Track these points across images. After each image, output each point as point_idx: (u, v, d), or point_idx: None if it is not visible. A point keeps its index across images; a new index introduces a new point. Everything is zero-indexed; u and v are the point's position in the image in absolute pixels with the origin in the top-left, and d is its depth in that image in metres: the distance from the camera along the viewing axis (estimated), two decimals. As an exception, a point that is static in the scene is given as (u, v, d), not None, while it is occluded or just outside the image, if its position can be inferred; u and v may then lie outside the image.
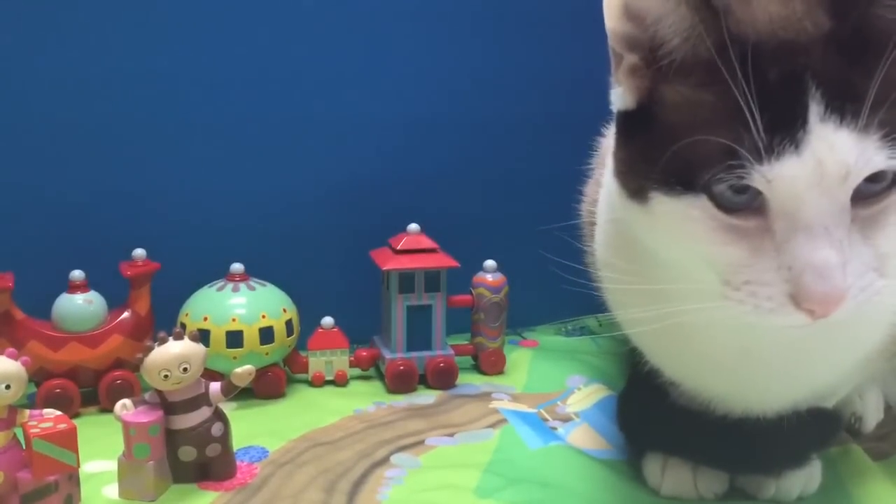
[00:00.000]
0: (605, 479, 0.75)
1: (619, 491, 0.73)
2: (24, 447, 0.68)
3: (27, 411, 0.70)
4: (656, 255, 0.55)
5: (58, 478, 0.67)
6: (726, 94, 0.46)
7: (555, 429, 0.85)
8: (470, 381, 0.98)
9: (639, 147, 0.53)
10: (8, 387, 0.66)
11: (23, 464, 0.68)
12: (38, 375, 0.85)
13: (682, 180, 0.49)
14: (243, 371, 0.73)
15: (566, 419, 0.88)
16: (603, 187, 0.66)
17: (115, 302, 0.90)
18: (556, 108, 1.07)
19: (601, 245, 0.66)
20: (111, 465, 0.73)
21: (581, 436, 0.84)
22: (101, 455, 0.76)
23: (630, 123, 0.54)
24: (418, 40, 1.03)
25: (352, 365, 0.97)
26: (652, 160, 0.50)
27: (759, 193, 0.48)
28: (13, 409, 0.68)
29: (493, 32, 1.06)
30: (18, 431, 0.69)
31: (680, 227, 0.50)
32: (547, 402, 0.92)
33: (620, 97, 0.54)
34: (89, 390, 0.88)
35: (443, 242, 0.97)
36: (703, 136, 0.47)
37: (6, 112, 0.92)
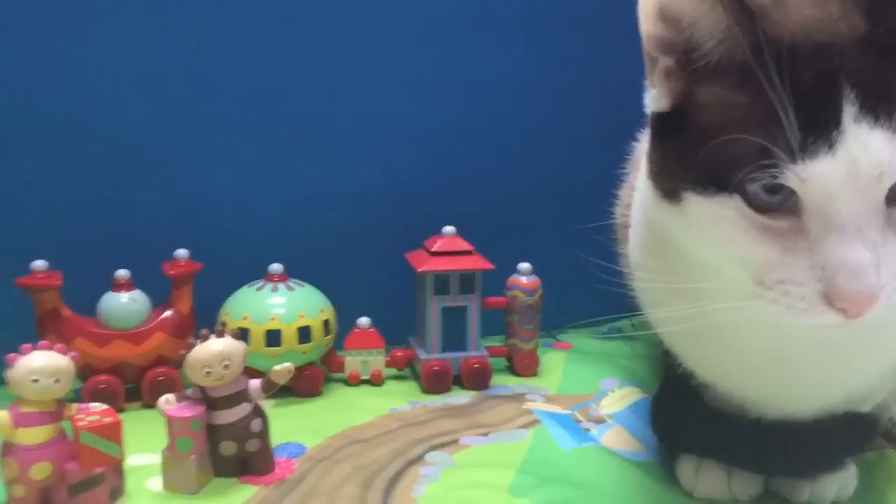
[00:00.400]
0: (638, 480, 0.75)
1: (652, 492, 0.74)
2: (71, 440, 0.70)
3: (75, 405, 0.72)
4: (689, 255, 0.56)
5: (104, 469, 0.69)
6: (761, 96, 0.47)
7: (588, 430, 0.86)
8: (504, 382, 0.99)
9: (672, 148, 0.53)
10: (57, 381, 0.69)
11: (70, 455, 0.70)
12: (83, 371, 0.87)
13: (716, 180, 0.49)
14: (282, 368, 0.75)
15: (599, 421, 0.88)
16: (637, 190, 0.67)
17: (159, 300, 0.92)
18: (591, 113, 1.08)
19: (635, 247, 0.67)
20: (154, 459, 0.75)
21: (614, 437, 0.84)
22: (144, 449, 0.78)
23: (664, 125, 0.54)
24: (456, 45, 1.05)
25: (387, 365, 0.98)
26: (685, 161, 0.51)
27: (792, 193, 0.48)
28: (61, 403, 0.70)
29: (530, 37, 1.07)
30: (66, 425, 0.71)
31: (713, 226, 0.51)
32: (580, 404, 0.92)
33: (655, 99, 0.54)
34: (133, 386, 0.91)
35: (478, 245, 0.98)
36: (738, 135, 0.48)
37: (57, 118, 0.94)
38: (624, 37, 0.59)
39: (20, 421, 0.68)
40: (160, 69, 0.96)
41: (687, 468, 0.73)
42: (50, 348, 0.70)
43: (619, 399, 0.94)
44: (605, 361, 1.04)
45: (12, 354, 0.69)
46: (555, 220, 1.09)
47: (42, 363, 0.68)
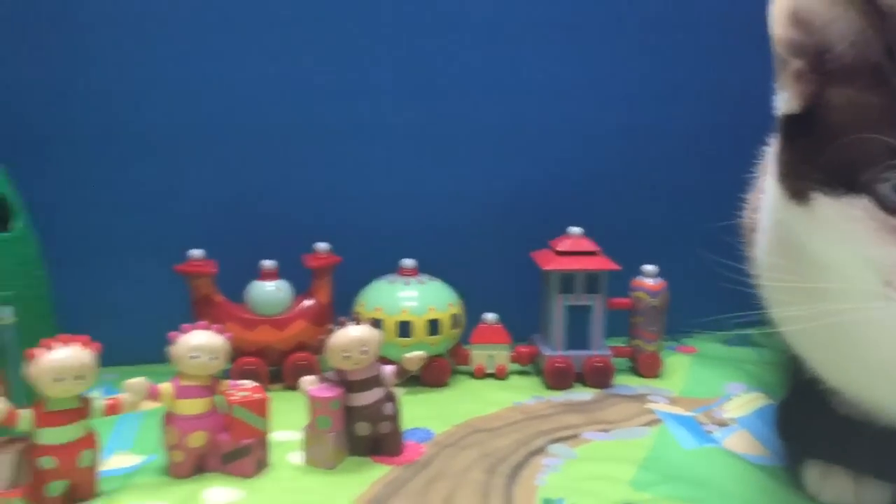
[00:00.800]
0: (762, 483, 0.75)
1: (776, 496, 0.73)
2: (224, 413, 0.77)
3: (227, 381, 0.78)
4: (816, 255, 0.56)
5: (252, 441, 0.76)
6: (893, 96, 0.47)
7: (711, 433, 0.86)
8: (626, 382, 1.00)
9: (801, 149, 0.54)
10: (213, 358, 0.75)
11: (223, 427, 0.76)
12: (232, 353, 0.94)
13: (845, 180, 0.50)
14: (415, 356, 0.79)
15: (723, 424, 0.88)
16: (765, 193, 0.67)
17: (300, 290, 0.99)
18: (721, 116, 1.08)
19: (762, 248, 0.67)
20: (295, 435, 0.81)
21: (738, 441, 0.84)
22: (286, 426, 0.84)
23: (793, 127, 0.55)
24: (585, 48, 1.07)
25: (512, 360, 1.01)
26: (814, 162, 0.51)
27: None
28: (216, 379, 0.77)
29: (660, 40, 1.08)
30: (219, 399, 0.77)
31: (841, 227, 0.51)
32: (704, 406, 0.92)
33: (785, 101, 0.55)
34: (275, 369, 0.98)
35: (604, 246, 1.00)
36: (868, 135, 0.48)
37: (211, 123, 1.02)
38: (755, 39, 0.60)
39: (180, 393, 0.75)
40: (304, 75, 1.03)
41: (813, 474, 0.73)
42: (208, 328, 0.76)
43: (744, 403, 0.93)
44: (730, 366, 1.04)
45: (174, 332, 0.76)
46: (682, 223, 1.09)
47: (201, 341, 0.75)
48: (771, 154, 0.69)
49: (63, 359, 0.67)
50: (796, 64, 0.54)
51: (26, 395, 0.76)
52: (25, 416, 0.68)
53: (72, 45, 0.97)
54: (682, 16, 1.07)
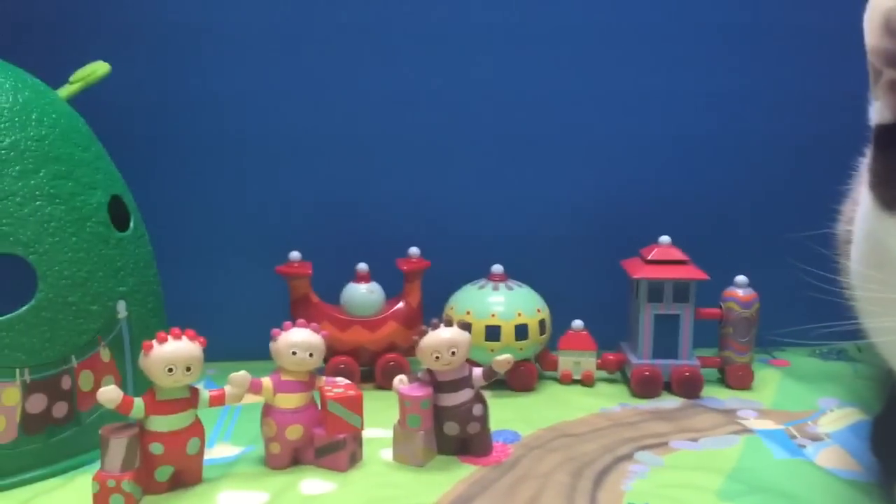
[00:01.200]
0: (853, 499, 0.74)
1: (869, 512, 0.72)
2: (319, 408, 0.81)
3: (323, 378, 0.82)
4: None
5: (346, 436, 0.79)
6: None
7: (803, 447, 0.84)
8: (715, 394, 0.99)
9: (894, 159, 0.54)
10: (311, 354, 0.79)
11: (318, 421, 0.80)
12: (326, 352, 0.98)
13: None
14: (503, 359, 0.81)
15: (816, 439, 0.86)
16: (859, 204, 0.67)
17: (392, 293, 1.02)
18: (815, 126, 1.06)
19: (856, 259, 0.66)
20: (386, 433, 0.83)
21: (830, 456, 0.82)
22: (377, 424, 0.86)
23: (887, 137, 0.55)
24: (677, 59, 1.07)
25: (599, 367, 1.02)
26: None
27: None
28: (313, 375, 0.81)
29: (753, 50, 1.07)
30: (315, 395, 0.81)
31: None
32: (796, 420, 0.91)
33: (878, 111, 0.55)
34: (367, 368, 1.01)
35: (694, 256, 0.99)
36: None
37: (311, 133, 1.06)
38: (851, 48, 0.60)
39: (279, 387, 0.79)
40: (401, 86, 1.06)
41: (906, 492, 0.71)
42: (307, 326, 0.80)
43: (838, 418, 0.91)
44: (824, 380, 1.02)
45: (276, 329, 0.80)
46: (774, 234, 1.07)
47: (300, 338, 0.79)
48: (865, 165, 0.68)
49: (174, 351, 0.72)
50: (890, 74, 0.54)
51: (139, 384, 0.82)
52: (138, 405, 0.72)
53: (184, 55, 1.03)
54: (776, 25, 1.06)
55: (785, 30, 1.06)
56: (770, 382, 1.02)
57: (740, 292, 1.00)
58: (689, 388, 0.98)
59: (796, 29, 1.06)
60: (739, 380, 1.00)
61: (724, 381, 1.02)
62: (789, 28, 1.06)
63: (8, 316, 0.74)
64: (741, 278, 1.01)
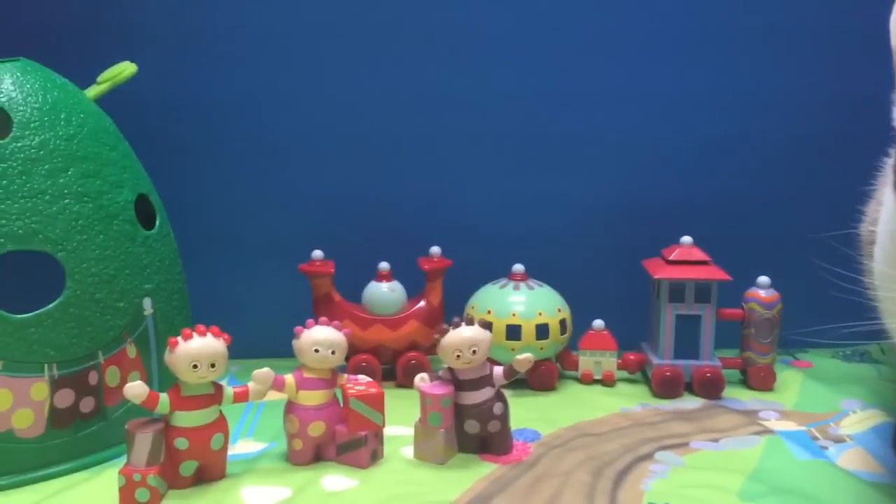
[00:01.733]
0: (874, 500, 0.74)
1: (892, 514, 0.72)
2: (341, 405, 0.81)
3: (345, 375, 0.83)
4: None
5: (367, 433, 0.79)
6: None
7: (825, 448, 0.84)
8: (737, 395, 0.99)
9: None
10: (333, 352, 0.80)
11: (340, 419, 0.81)
12: (348, 350, 0.99)
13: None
14: (524, 358, 0.81)
15: (839, 440, 0.86)
16: (883, 205, 0.66)
17: (413, 292, 1.03)
18: (838, 127, 1.06)
19: (879, 261, 0.66)
20: (407, 431, 0.84)
21: (852, 458, 0.82)
22: (399, 422, 0.87)
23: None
24: (697, 58, 1.07)
25: (619, 367, 1.02)
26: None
27: None
28: (335, 373, 0.82)
29: (776, 51, 1.06)
30: (337, 393, 0.82)
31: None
32: (818, 422, 0.91)
33: (902, 112, 0.55)
34: (388, 367, 1.01)
35: (717, 257, 0.99)
36: None
37: (336, 133, 1.07)
38: (876, 49, 0.60)
39: (302, 384, 0.80)
40: (420, 86, 1.07)
41: (930, 493, 0.71)
42: (329, 324, 0.81)
43: (861, 420, 0.91)
44: (847, 382, 1.01)
45: (299, 327, 0.81)
46: (798, 236, 1.07)
47: (323, 336, 0.79)
48: (889, 165, 0.68)
49: (199, 347, 0.73)
50: (917, 74, 0.54)
51: (164, 380, 0.83)
52: (163, 400, 0.73)
53: (210, 58, 1.04)
54: (800, 25, 1.05)
55: (808, 29, 1.05)
56: (792, 384, 1.02)
57: (762, 293, 1.00)
58: (710, 388, 0.97)
59: (820, 29, 1.05)
60: (761, 381, 1.00)
61: (745, 382, 1.01)
62: (813, 28, 1.05)
63: (37, 312, 0.75)
64: (763, 279, 1.01)
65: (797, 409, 0.94)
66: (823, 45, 1.06)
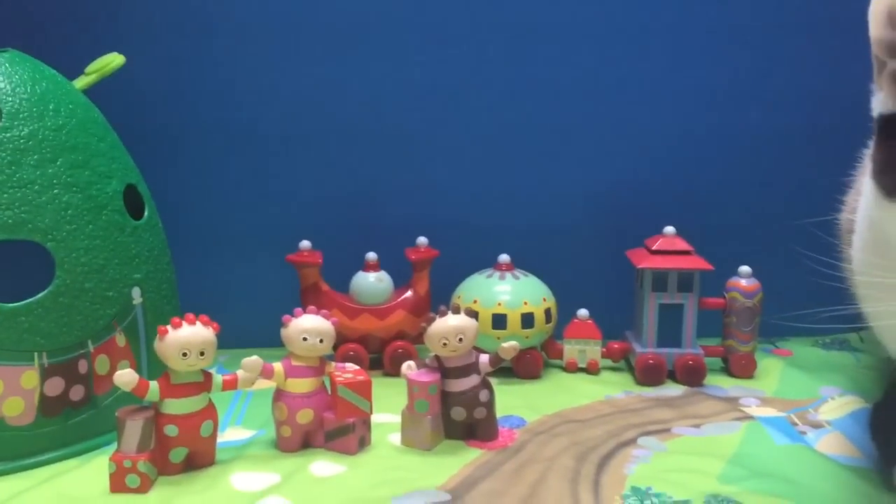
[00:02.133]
0: (853, 484, 0.75)
1: (866, 496, 0.73)
2: (329, 393, 0.82)
3: (333, 363, 0.84)
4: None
5: (355, 420, 0.80)
6: None
7: (803, 434, 0.86)
8: (718, 383, 1.00)
9: (896, 148, 0.55)
10: (321, 340, 0.81)
11: (328, 406, 0.82)
12: (335, 339, 1.00)
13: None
14: (509, 346, 0.82)
15: (817, 426, 0.88)
16: (862, 194, 0.68)
17: (399, 282, 1.04)
18: (818, 118, 1.08)
19: (858, 248, 0.68)
20: (394, 418, 0.85)
21: (831, 443, 0.84)
22: (386, 409, 0.88)
23: (890, 126, 0.56)
24: (683, 51, 1.08)
25: (604, 356, 1.03)
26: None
27: None
28: (323, 361, 0.83)
29: (757, 44, 1.08)
30: (325, 381, 0.83)
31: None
32: (797, 408, 0.92)
33: (881, 102, 0.56)
34: (375, 356, 1.03)
35: (698, 246, 1.01)
36: None
37: (322, 125, 1.08)
38: (854, 42, 0.61)
39: (291, 372, 0.80)
40: (408, 78, 1.08)
41: (905, 476, 0.73)
42: (317, 313, 0.82)
43: (839, 406, 0.93)
44: (826, 370, 1.03)
45: (287, 316, 0.81)
46: (777, 225, 1.09)
47: (310, 324, 0.80)
48: (868, 155, 0.69)
49: (189, 335, 0.73)
50: (894, 65, 0.55)
51: (153, 369, 0.84)
52: (153, 388, 0.74)
53: (198, 50, 1.05)
54: (781, 20, 1.07)
55: (790, 24, 1.07)
56: (773, 371, 1.03)
57: (743, 282, 1.02)
58: (692, 376, 0.99)
59: (801, 22, 1.07)
60: (742, 368, 1.02)
61: (727, 369, 1.03)
62: (794, 20, 1.07)
63: (27, 301, 0.76)
64: (745, 269, 1.02)
65: (777, 396, 0.96)
66: (804, 38, 1.07)
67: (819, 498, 0.73)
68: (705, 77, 1.08)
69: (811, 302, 0.95)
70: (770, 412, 0.91)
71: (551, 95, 1.08)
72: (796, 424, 0.88)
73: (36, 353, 0.76)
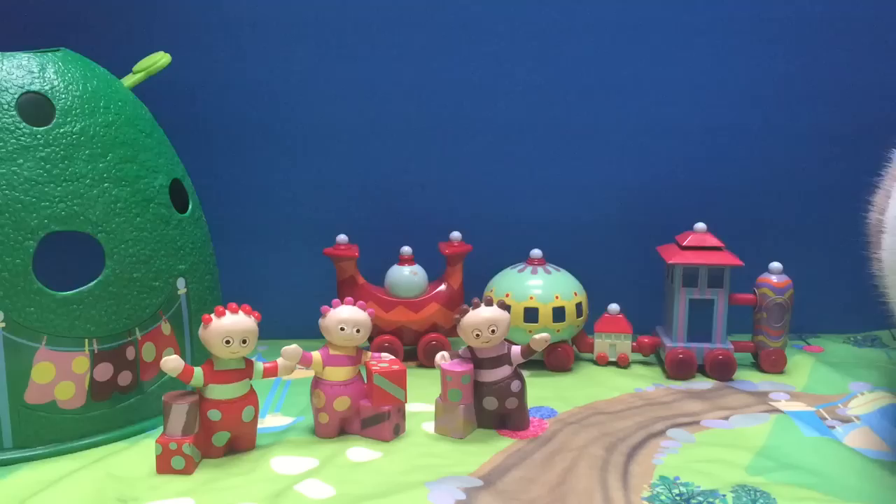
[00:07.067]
0: (879, 477, 0.76)
1: (893, 489, 0.74)
2: (365, 382, 0.85)
3: (370, 353, 0.86)
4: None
5: (390, 408, 0.83)
6: None
7: (832, 428, 0.87)
8: (748, 378, 1.01)
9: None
10: (358, 330, 0.83)
11: (364, 394, 0.84)
12: (371, 331, 1.03)
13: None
14: (541, 337, 0.84)
15: (846, 421, 0.89)
16: (892, 195, 0.68)
17: (433, 275, 1.06)
18: (850, 118, 1.08)
19: (887, 249, 0.68)
20: (428, 408, 0.88)
21: (860, 437, 0.85)
22: (420, 399, 0.91)
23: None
24: (715, 49, 1.09)
25: (634, 350, 1.05)
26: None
27: None
28: (360, 350, 0.85)
29: (793, 42, 1.08)
30: (362, 370, 0.85)
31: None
32: (827, 403, 0.93)
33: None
34: (409, 348, 1.05)
35: (729, 243, 1.01)
36: None
37: (359, 123, 1.10)
38: (884, 42, 0.61)
39: (329, 361, 0.83)
40: (443, 76, 1.09)
41: (934, 470, 0.73)
42: (354, 304, 0.84)
43: (869, 402, 0.93)
44: (857, 366, 1.03)
45: (326, 307, 0.84)
46: (809, 223, 1.10)
47: (348, 315, 0.83)
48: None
49: (232, 323, 0.76)
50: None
51: (197, 357, 0.87)
52: (198, 373, 0.77)
53: (240, 49, 1.08)
54: (815, 18, 1.07)
55: (822, 23, 1.07)
56: (803, 367, 1.04)
57: (774, 278, 1.02)
58: (722, 370, 1.00)
59: (836, 20, 1.06)
60: (772, 364, 1.02)
61: (757, 365, 1.04)
62: (827, 21, 1.07)
63: (78, 290, 0.79)
64: (775, 265, 1.03)
65: (807, 391, 0.97)
66: (838, 37, 1.07)
67: (846, 490, 0.74)
68: (739, 75, 1.09)
69: (843, 299, 0.96)
70: (799, 407, 0.92)
71: (584, 92, 1.10)
72: (825, 418, 0.89)
73: (86, 340, 0.80)
